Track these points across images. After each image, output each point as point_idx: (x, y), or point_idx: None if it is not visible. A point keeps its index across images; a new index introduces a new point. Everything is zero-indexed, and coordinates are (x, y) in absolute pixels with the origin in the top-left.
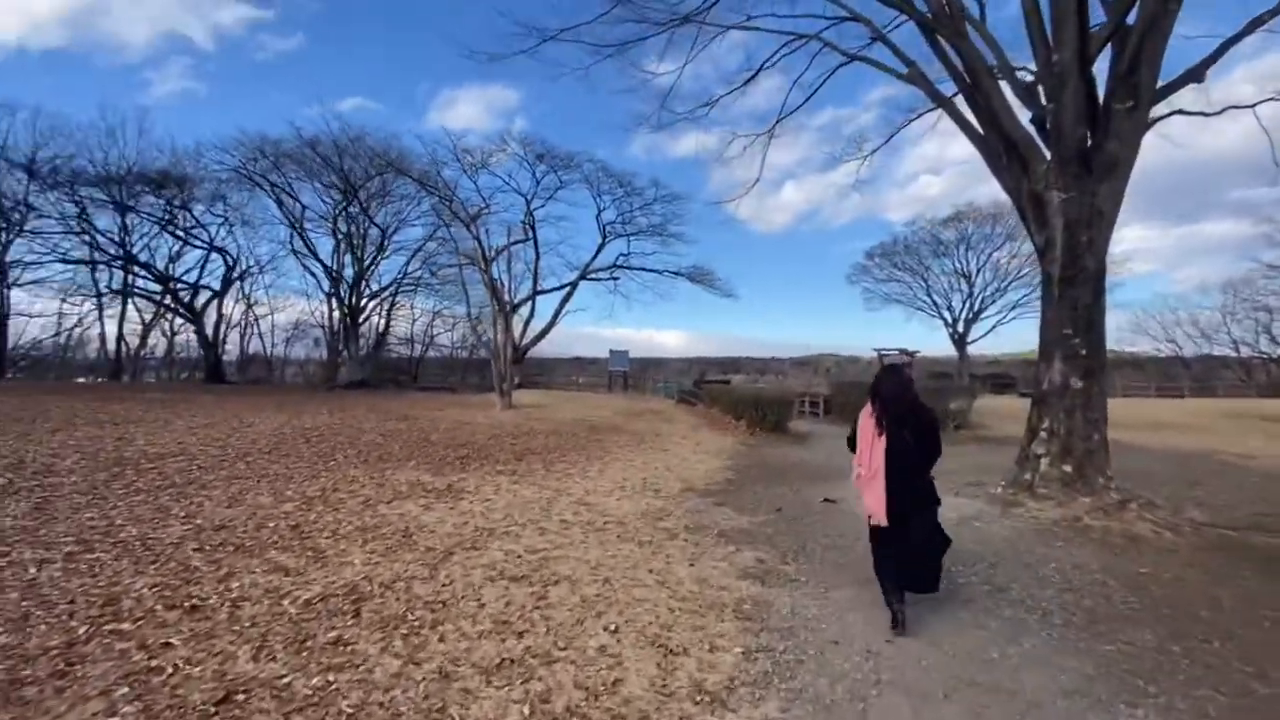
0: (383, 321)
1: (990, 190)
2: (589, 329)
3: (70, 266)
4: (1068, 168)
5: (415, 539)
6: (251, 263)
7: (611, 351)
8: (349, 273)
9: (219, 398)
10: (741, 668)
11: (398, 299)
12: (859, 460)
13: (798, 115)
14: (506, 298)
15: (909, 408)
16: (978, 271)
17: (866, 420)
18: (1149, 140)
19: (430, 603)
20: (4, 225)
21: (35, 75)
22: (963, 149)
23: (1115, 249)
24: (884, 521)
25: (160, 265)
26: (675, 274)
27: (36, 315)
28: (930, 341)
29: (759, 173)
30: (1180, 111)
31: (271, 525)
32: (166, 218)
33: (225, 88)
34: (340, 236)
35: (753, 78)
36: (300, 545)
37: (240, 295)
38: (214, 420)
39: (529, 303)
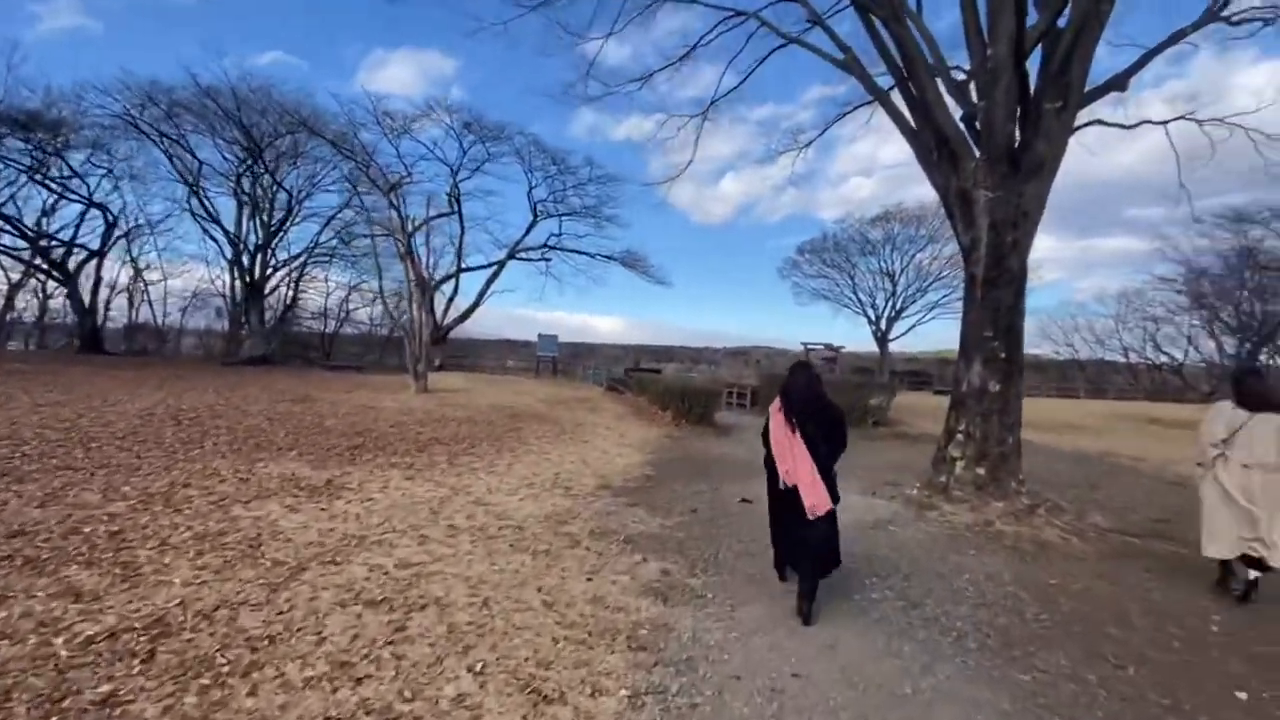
0: (290, 293)
1: (917, 194)
2: (522, 311)
3: None
4: (996, 166)
5: (263, 550)
6: (140, 222)
7: (540, 335)
8: (253, 239)
9: (93, 371)
10: (626, 718)
11: (308, 270)
12: (780, 460)
13: (737, 107)
14: (425, 273)
15: (816, 403)
16: (901, 271)
17: (777, 416)
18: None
19: (254, 638)
20: None
21: None
22: (892, 153)
23: (1030, 256)
24: (830, 506)
25: (30, 220)
26: (608, 258)
27: None
28: (855, 338)
29: (692, 155)
30: (1099, 121)
31: (86, 530)
32: (34, 165)
33: (125, 29)
34: (244, 198)
35: (688, 53)
36: (113, 558)
37: (127, 257)
38: (71, 398)
39: (452, 280)
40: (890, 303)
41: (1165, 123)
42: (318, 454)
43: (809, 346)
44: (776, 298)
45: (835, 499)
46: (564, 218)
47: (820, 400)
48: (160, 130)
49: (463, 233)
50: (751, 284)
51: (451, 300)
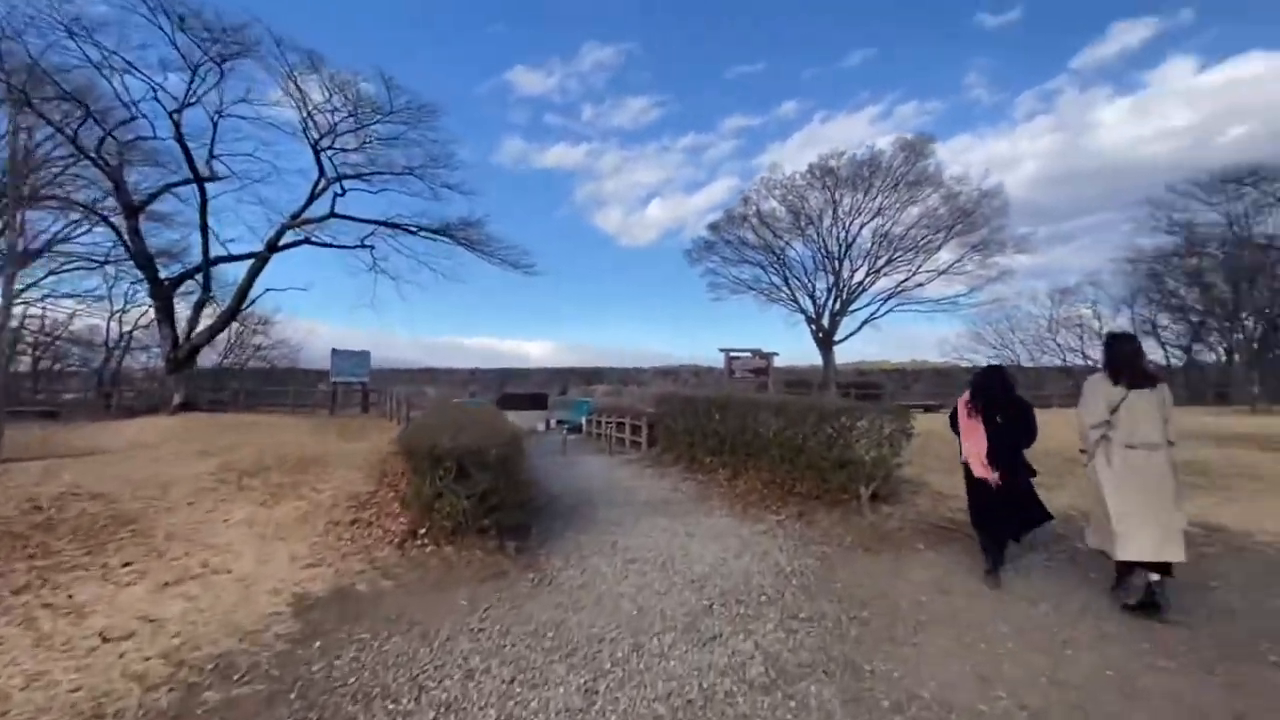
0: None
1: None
2: (455, 339)
3: None
4: None
5: None
6: None
7: (334, 351)
8: None
9: None
10: None
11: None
12: (965, 440)
13: (663, 138)
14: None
15: (1004, 396)
16: (845, 249)
17: (964, 405)
18: None
19: None
20: None
21: None
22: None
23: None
24: (994, 478)
25: None
26: (434, 232)
27: None
28: (788, 342)
29: None
30: None
31: None
32: None
33: None
34: None
35: None
36: None
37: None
38: None
39: (199, 277)
40: (833, 292)
41: None
42: None
43: (732, 354)
44: (703, 313)
45: (1032, 472)
46: (365, 177)
47: (1009, 393)
48: None
49: (204, 202)
50: (679, 304)
51: (201, 306)
